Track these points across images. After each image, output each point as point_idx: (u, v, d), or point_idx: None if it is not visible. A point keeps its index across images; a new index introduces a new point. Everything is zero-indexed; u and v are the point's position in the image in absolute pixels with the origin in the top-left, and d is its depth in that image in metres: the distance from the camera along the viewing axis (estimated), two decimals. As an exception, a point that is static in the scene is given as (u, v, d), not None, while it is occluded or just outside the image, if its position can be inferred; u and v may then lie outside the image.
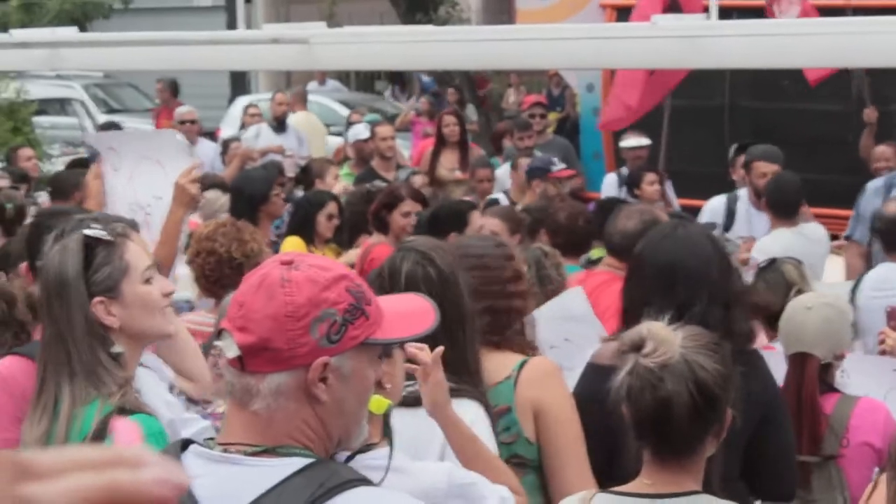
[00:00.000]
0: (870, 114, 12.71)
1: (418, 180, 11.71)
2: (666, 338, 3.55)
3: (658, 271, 4.63)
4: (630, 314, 4.57)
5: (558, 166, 11.57)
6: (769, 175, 9.94)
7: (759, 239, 9.28)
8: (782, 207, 9.03)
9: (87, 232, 4.06)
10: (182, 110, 16.57)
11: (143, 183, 6.78)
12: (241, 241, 6.18)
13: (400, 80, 29.00)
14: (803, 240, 8.81)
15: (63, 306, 4.02)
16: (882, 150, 11.36)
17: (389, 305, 2.89)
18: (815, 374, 5.15)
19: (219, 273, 6.19)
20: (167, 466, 1.31)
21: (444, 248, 4.54)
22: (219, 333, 2.85)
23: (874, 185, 9.76)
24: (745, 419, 3.97)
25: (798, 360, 5.18)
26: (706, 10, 10.46)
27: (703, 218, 10.13)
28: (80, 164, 11.82)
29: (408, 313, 2.96)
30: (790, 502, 4.73)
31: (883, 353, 6.05)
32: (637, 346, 3.55)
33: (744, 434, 4.27)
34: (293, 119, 17.08)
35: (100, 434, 3.89)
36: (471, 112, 20.13)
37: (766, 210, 9.26)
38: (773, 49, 7.42)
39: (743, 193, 10.38)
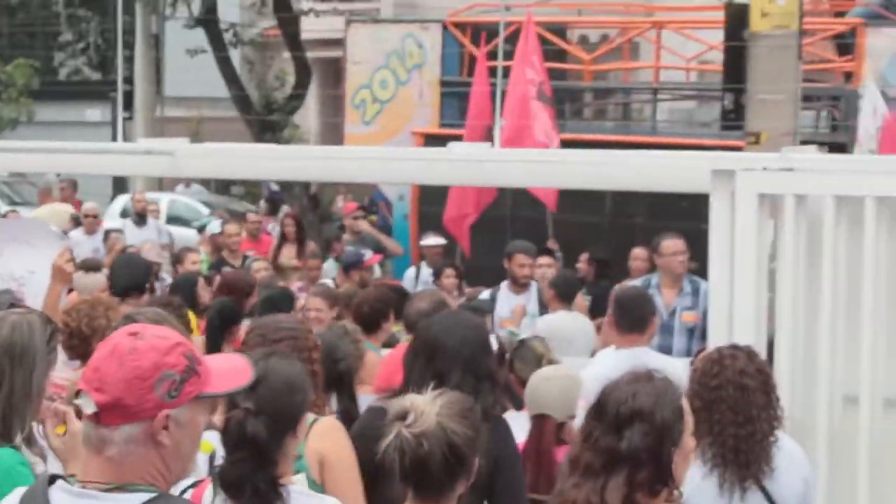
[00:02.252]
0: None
1: (256, 266, 11.77)
2: (425, 409, 3.60)
3: (423, 347, 4.73)
4: (405, 376, 4.72)
5: (368, 256, 11.73)
6: (527, 266, 10.28)
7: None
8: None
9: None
10: (88, 206, 16.50)
11: (16, 259, 6.81)
12: (92, 317, 6.09)
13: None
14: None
15: (22, 369, 3.95)
16: (638, 251, 11.33)
17: (215, 364, 2.95)
18: (552, 431, 5.26)
19: (70, 342, 6.08)
20: None
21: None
22: (77, 393, 2.86)
23: (632, 284, 9.86)
24: (486, 465, 4.05)
25: (538, 420, 5.29)
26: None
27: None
28: None
29: (230, 370, 3.01)
30: None
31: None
32: (402, 416, 3.61)
33: (486, 477, 4.35)
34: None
35: None
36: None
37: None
38: (541, 172, 7.53)
39: (504, 285, 10.49)
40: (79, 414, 2.86)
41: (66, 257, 6.39)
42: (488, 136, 12.40)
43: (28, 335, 3.99)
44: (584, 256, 12.65)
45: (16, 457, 3.88)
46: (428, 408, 3.61)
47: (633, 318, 6.96)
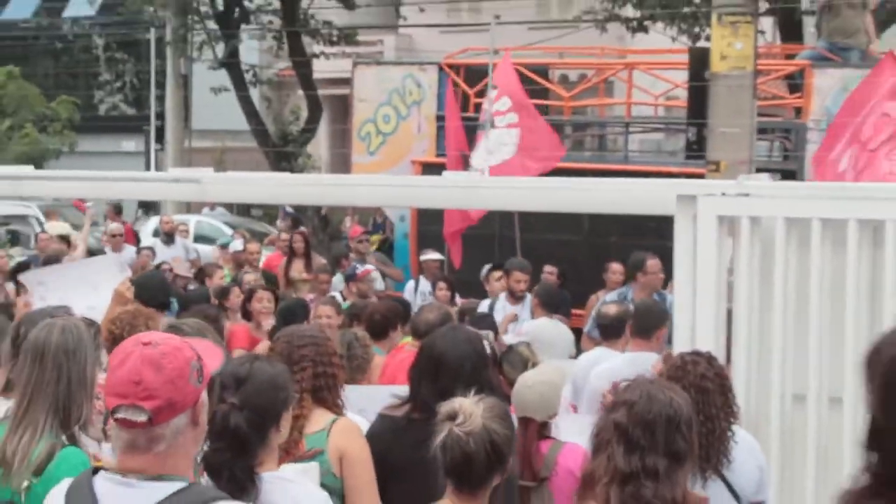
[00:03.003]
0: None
1: (247, 278, 11.74)
2: (472, 412, 3.64)
3: (428, 364, 4.68)
4: (412, 389, 4.70)
5: (360, 269, 11.79)
6: (522, 281, 10.30)
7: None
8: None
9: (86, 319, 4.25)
10: (112, 227, 16.52)
11: (78, 297, 6.81)
12: (133, 325, 6.02)
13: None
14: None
15: (76, 363, 4.03)
16: (615, 265, 11.29)
17: (197, 347, 2.98)
18: (534, 430, 5.21)
19: (113, 348, 6.06)
20: None
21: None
22: (113, 410, 2.85)
23: (610, 297, 9.81)
24: None
25: (523, 421, 5.27)
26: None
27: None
28: (23, 267, 11.52)
29: (207, 349, 3.06)
30: None
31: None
32: (452, 416, 3.64)
33: None
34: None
35: (46, 461, 3.86)
36: None
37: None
38: (524, 197, 7.53)
39: (502, 296, 10.53)
40: (127, 422, 2.82)
41: (126, 285, 6.66)
42: (466, 164, 12.50)
43: (77, 335, 4.10)
44: (546, 269, 12.56)
45: (80, 457, 3.90)
46: (475, 410, 3.65)
47: (641, 326, 7.16)
